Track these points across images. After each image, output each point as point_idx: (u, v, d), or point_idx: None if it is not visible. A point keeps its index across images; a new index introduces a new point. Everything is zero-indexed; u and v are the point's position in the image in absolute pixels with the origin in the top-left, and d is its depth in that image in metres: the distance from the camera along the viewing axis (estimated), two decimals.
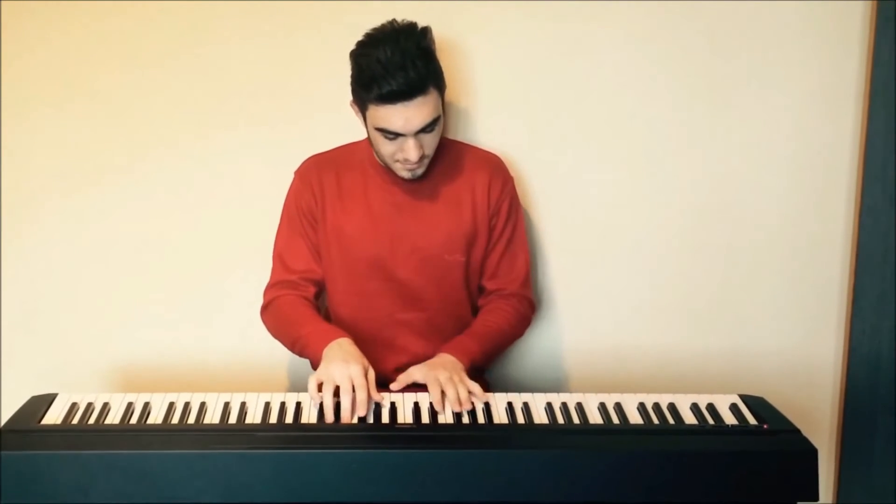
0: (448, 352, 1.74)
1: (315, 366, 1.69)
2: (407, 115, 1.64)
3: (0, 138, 2.03)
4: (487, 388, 1.79)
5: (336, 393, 1.56)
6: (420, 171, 1.77)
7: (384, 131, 1.67)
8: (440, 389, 1.60)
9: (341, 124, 1.90)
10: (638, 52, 2.02)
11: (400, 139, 1.68)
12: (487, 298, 1.91)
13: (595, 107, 2.05)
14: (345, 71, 1.71)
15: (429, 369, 1.66)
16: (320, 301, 1.91)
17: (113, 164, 2.05)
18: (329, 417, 1.53)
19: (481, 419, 1.56)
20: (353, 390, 1.55)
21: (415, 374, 1.67)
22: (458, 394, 1.59)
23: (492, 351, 1.83)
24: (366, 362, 1.63)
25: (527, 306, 1.93)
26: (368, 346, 1.74)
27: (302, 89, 2.02)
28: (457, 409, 1.57)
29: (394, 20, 1.69)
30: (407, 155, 1.69)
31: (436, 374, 1.63)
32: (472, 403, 1.59)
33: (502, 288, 1.90)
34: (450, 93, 1.84)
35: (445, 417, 1.57)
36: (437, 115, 1.69)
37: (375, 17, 1.71)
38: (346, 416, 1.53)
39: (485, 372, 1.99)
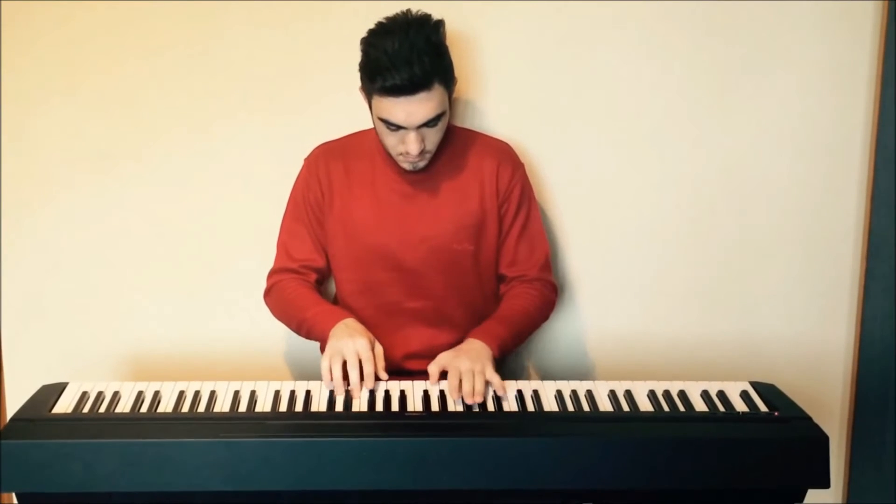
0: (477, 337, 1.73)
1: (323, 347, 1.69)
2: (409, 110, 1.63)
3: (7, 128, 2.03)
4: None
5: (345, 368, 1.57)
6: (422, 165, 1.76)
7: (386, 122, 1.67)
8: (459, 379, 1.59)
9: (350, 113, 1.90)
10: (647, 39, 2.01)
11: (402, 132, 1.67)
12: (510, 285, 1.90)
13: (604, 95, 2.03)
14: (353, 60, 1.70)
15: (453, 356, 1.65)
16: (324, 288, 1.91)
17: (121, 153, 2.05)
18: (339, 390, 1.54)
19: (491, 407, 1.56)
20: (361, 365, 1.56)
21: (442, 360, 1.66)
22: (472, 386, 1.58)
23: (519, 335, 1.82)
24: (372, 337, 1.64)
25: (550, 290, 1.92)
26: (376, 334, 1.73)
27: (311, 78, 2.01)
28: (469, 402, 1.56)
29: (408, 10, 1.66)
30: (408, 148, 1.68)
31: (458, 363, 1.62)
32: (483, 398, 1.58)
33: (523, 274, 1.89)
34: (462, 84, 1.83)
35: (454, 405, 1.57)
36: (442, 111, 1.67)
37: (385, 7, 1.69)
38: (354, 391, 1.54)
39: (503, 365, 1.98)
